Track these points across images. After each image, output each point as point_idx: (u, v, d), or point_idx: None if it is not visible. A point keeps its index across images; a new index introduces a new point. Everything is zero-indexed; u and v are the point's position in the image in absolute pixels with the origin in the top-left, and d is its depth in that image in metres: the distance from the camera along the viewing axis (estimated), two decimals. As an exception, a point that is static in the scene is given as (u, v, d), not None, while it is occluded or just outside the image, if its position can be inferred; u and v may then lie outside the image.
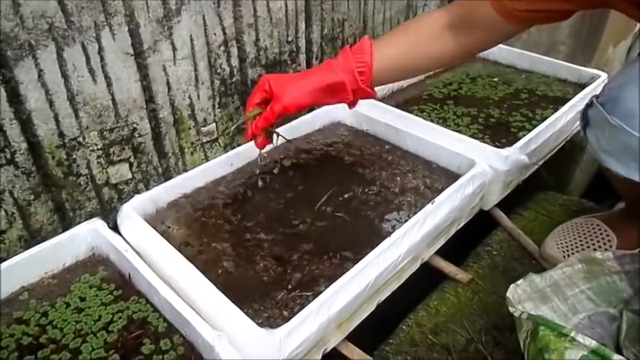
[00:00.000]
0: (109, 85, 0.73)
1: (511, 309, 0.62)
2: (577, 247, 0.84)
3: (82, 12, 0.66)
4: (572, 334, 0.55)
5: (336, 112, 1.10)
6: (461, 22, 0.71)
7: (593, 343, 0.53)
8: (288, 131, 1.01)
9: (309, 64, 1.04)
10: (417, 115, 1.07)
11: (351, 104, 0.77)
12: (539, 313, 0.64)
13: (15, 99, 0.65)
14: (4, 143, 0.66)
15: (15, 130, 0.66)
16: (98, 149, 0.76)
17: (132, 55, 0.74)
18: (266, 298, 0.67)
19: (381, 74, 0.74)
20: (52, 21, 0.63)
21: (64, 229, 0.76)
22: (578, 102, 1.08)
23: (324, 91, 0.72)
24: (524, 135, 0.97)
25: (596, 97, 0.64)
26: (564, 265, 0.70)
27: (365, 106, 1.10)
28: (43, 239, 0.74)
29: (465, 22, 0.71)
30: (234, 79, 0.91)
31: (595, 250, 0.83)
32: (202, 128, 0.90)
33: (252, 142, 0.78)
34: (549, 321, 0.58)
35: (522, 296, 0.66)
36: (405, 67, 0.76)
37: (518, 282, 0.67)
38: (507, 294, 0.64)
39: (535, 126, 1.02)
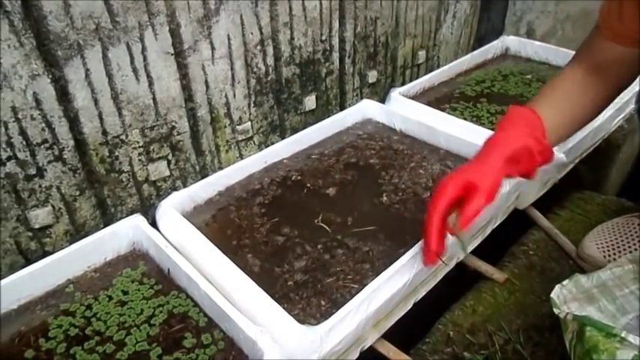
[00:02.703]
0: (150, 84, 0.74)
1: (556, 310, 0.61)
2: (618, 247, 0.82)
3: (127, 12, 0.67)
4: (622, 334, 0.53)
5: (366, 110, 1.10)
6: (594, 68, 0.68)
7: (645, 343, 0.52)
8: (320, 129, 1.02)
9: (341, 63, 1.05)
10: (449, 113, 1.06)
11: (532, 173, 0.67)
12: (584, 313, 0.63)
13: (64, 97, 0.67)
14: (53, 140, 0.68)
15: (64, 127, 0.68)
16: (139, 147, 0.78)
17: (172, 55, 0.75)
18: (299, 295, 0.68)
19: (558, 132, 0.68)
20: (99, 21, 0.65)
21: (106, 225, 0.79)
22: (617, 99, 1.05)
23: (513, 161, 0.63)
24: (561, 133, 0.96)
25: None
26: (613, 266, 0.68)
27: (397, 103, 1.10)
28: (86, 234, 0.76)
29: (597, 67, 0.68)
30: (269, 78, 0.91)
31: (637, 250, 0.81)
32: (238, 127, 0.91)
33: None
34: (597, 321, 0.56)
35: (567, 297, 0.65)
36: (574, 119, 0.71)
37: (564, 282, 0.66)
38: (552, 295, 0.63)
39: (572, 124, 1.00)
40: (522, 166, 0.64)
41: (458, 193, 0.60)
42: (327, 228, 0.79)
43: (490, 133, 0.86)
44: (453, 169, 0.71)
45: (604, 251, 0.83)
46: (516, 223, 0.94)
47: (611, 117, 1.04)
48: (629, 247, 0.82)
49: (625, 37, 0.64)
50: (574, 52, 1.25)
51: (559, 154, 0.90)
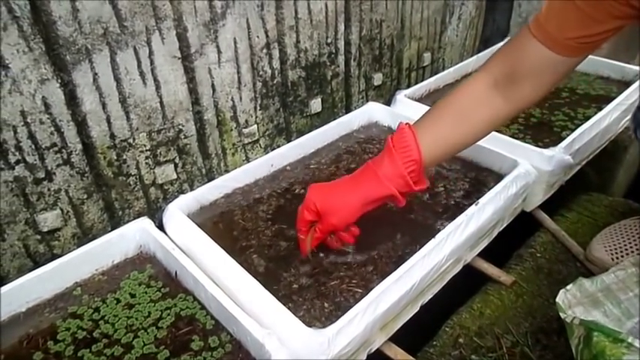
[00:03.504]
0: (157, 87, 0.75)
1: (562, 314, 0.61)
2: (626, 249, 0.82)
3: (135, 17, 0.67)
4: (629, 340, 0.53)
5: (372, 113, 1.10)
6: (505, 78, 0.65)
7: (651, 348, 0.52)
8: (325, 133, 1.02)
9: (347, 66, 1.05)
10: (455, 115, 1.06)
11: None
12: (590, 318, 0.62)
13: (72, 102, 0.67)
14: (61, 144, 0.68)
15: (72, 131, 0.68)
16: (146, 150, 0.78)
17: (179, 59, 0.75)
18: (305, 298, 0.68)
19: (433, 160, 0.69)
20: (107, 26, 0.66)
21: (113, 228, 0.79)
22: (623, 100, 1.05)
23: (374, 203, 0.68)
24: (568, 135, 0.95)
25: None
26: (617, 269, 0.68)
27: (402, 106, 1.10)
28: (94, 237, 0.76)
29: (511, 76, 0.65)
30: (275, 81, 0.92)
31: (644, 253, 0.81)
32: (244, 129, 0.91)
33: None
34: (604, 327, 0.56)
35: (572, 301, 0.65)
36: (457, 143, 0.69)
37: (568, 287, 0.66)
38: (557, 299, 0.63)
39: (578, 125, 0.99)
40: (384, 203, 0.69)
41: (313, 217, 0.69)
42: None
43: (493, 134, 0.84)
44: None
45: (612, 253, 0.82)
46: (523, 225, 0.94)
47: (617, 119, 1.03)
48: (638, 248, 0.81)
49: (560, 44, 0.61)
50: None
51: (566, 155, 0.90)
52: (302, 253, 0.74)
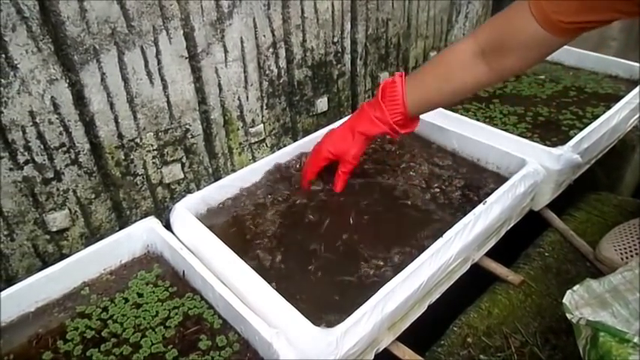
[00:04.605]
0: (164, 87, 0.75)
1: (569, 315, 0.61)
2: (636, 248, 0.81)
3: (142, 17, 0.68)
4: (635, 340, 0.53)
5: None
6: (492, 47, 0.69)
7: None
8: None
9: (353, 65, 1.05)
10: (462, 114, 1.06)
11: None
12: (598, 319, 0.62)
13: (80, 101, 0.68)
14: (69, 144, 0.68)
15: (79, 131, 0.69)
16: (153, 150, 0.78)
17: (186, 58, 0.76)
18: (313, 297, 0.68)
19: (419, 111, 0.79)
20: (115, 26, 0.66)
21: (121, 227, 0.79)
22: (632, 99, 1.04)
23: (374, 137, 0.83)
24: (576, 133, 0.95)
25: None
26: (624, 270, 0.67)
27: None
28: (102, 237, 0.77)
29: (498, 47, 0.69)
30: (281, 80, 0.92)
31: (655, 252, 0.80)
32: (250, 129, 0.91)
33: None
34: (610, 327, 0.56)
35: (579, 302, 0.64)
36: (441, 100, 0.79)
37: (575, 288, 0.65)
38: (564, 300, 0.63)
39: (586, 124, 0.99)
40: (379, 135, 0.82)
41: (328, 162, 0.84)
42: (345, 230, 0.79)
43: (500, 133, 0.87)
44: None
45: (621, 253, 0.82)
46: (531, 225, 0.94)
47: (626, 117, 1.02)
48: (648, 248, 0.81)
49: (554, 24, 0.63)
50: (588, 52, 1.23)
51: (574, 154, 0.89)
52: (303, 186, 0.87)
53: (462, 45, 0.73)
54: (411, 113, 0.78)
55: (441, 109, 1.04)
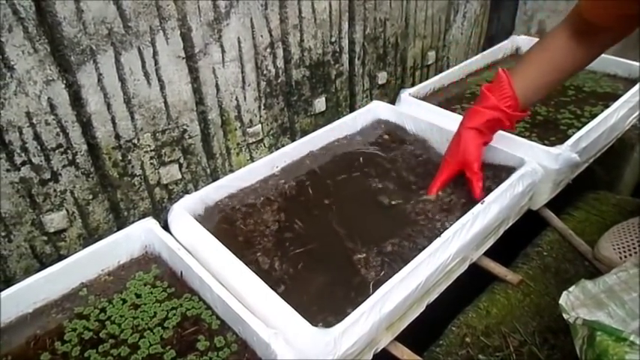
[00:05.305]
0: (162, 87, 0.75)
1: (565, 316, 0.61)
2: (634, 247, 0.81)
3: (139, 17, 0.68)
4: (631, 338, 0.53)
5: (377, 111, 1.09)
6: (579, 33, 0.76)
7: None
8: (330, 132, 1.02)
9: (351, 65, 1.04)
10: (460, 113, 1.05)
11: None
12: (594, 319, 0.62)
13: (77, 102, 0.68)
14: (66, 145, 0.68)
15: (76, 132, 0.69)
16: (151, 150, 0.78)
17: (183, 59, 0.76)
18: (312, 297, 0.68)
19: (527, 97, 0.80)
20: (112, 26, 0.66)
21: (119, 228, 0.79)
22: (630, 98, 1.04)
23: (485, 132, 0.82)
24: (574, 132, 0.94)
25: None
26: (618, 270, 0.67)
27: (407, 104, 1.09)
28: (99, 237, 0.76)
29: (582, 32, 0.75)
30: (279, 80, 0.91)
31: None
32: (248, 129, 0.91)
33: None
34: (607, 326, 0.56)
35: (575, 303, 0.64)
36: (547, 84, 0.81)
37: (570, 289, 0.65)
38: (560, 301, 0.63)
39: (584, 123, 0.99)
40: (494, 129, 0.83)
41: (453, 169, 0.84)
42: (341, 230, 0.79)
43: (499, 132, 0.87)
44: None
45: (620, 252, 0.82)
46: (530, 224, 0.94)
47: (624, 116, 1.02)
48: (646, 247, 0.81)
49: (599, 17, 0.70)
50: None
51: (572, 153, 0.89)
52: (431, 191, 0.86)
53: (558, 31, 0.78)
54: (520, 97, 0.79)
55: (438, 109, 1.04)
